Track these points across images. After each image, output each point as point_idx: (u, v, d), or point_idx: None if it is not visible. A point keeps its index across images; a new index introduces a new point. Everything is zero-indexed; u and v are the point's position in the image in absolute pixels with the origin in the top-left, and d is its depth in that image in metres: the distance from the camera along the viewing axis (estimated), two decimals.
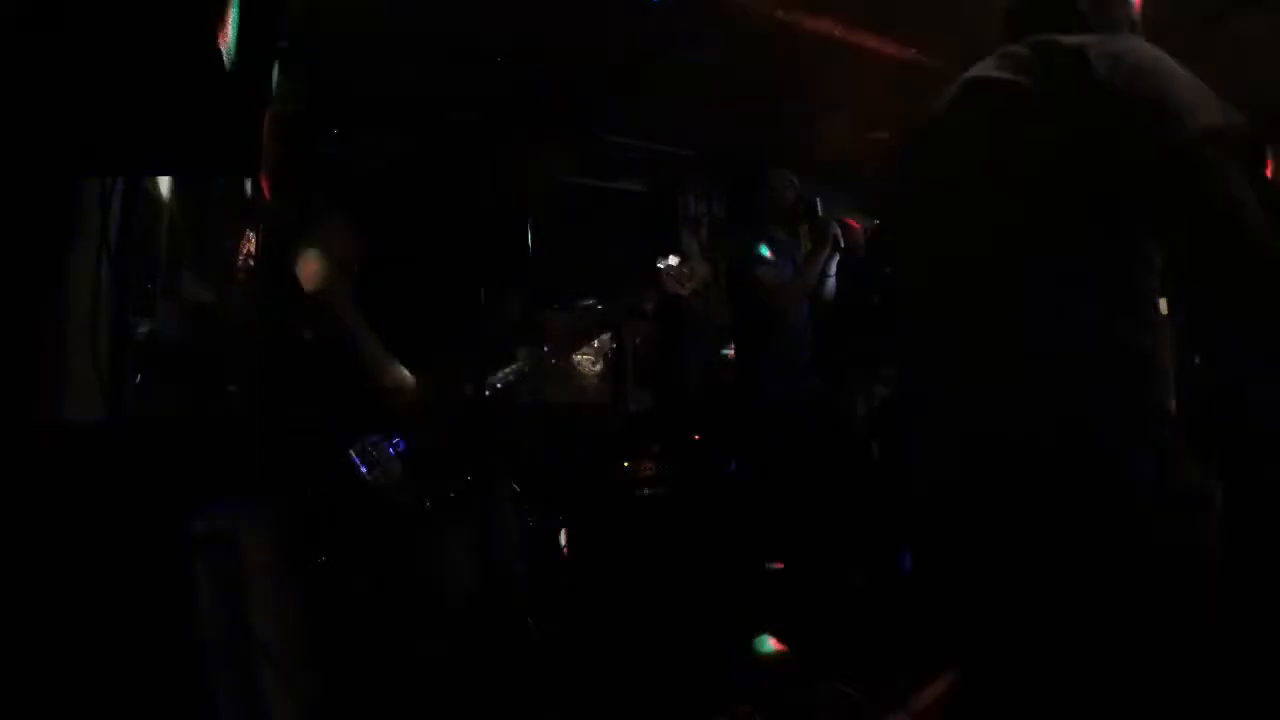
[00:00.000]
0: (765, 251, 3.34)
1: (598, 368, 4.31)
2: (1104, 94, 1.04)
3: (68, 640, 1.42)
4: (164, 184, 2.03)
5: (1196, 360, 1.23)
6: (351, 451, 1.87)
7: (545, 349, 2.32)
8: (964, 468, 1.21)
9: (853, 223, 3.42)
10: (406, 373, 1.90)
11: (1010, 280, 1.15)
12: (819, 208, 3.37)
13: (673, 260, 2.32)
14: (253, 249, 2.49)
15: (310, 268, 1.86)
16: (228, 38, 1.12)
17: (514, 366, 2.16)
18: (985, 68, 1.22)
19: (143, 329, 1.75)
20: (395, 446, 1.91)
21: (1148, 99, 1.02)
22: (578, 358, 4.22)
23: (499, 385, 2.11)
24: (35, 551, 1.40)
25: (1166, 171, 1.01)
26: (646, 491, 3.62)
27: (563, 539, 3.12)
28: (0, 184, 1.40)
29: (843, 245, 3.36)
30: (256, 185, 2.42)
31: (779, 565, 3.23)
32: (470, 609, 1.98)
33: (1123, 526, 1.05)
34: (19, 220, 1.44)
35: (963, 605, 1.26)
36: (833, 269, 3.42)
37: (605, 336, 4.23)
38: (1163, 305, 1.17)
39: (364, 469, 1.87)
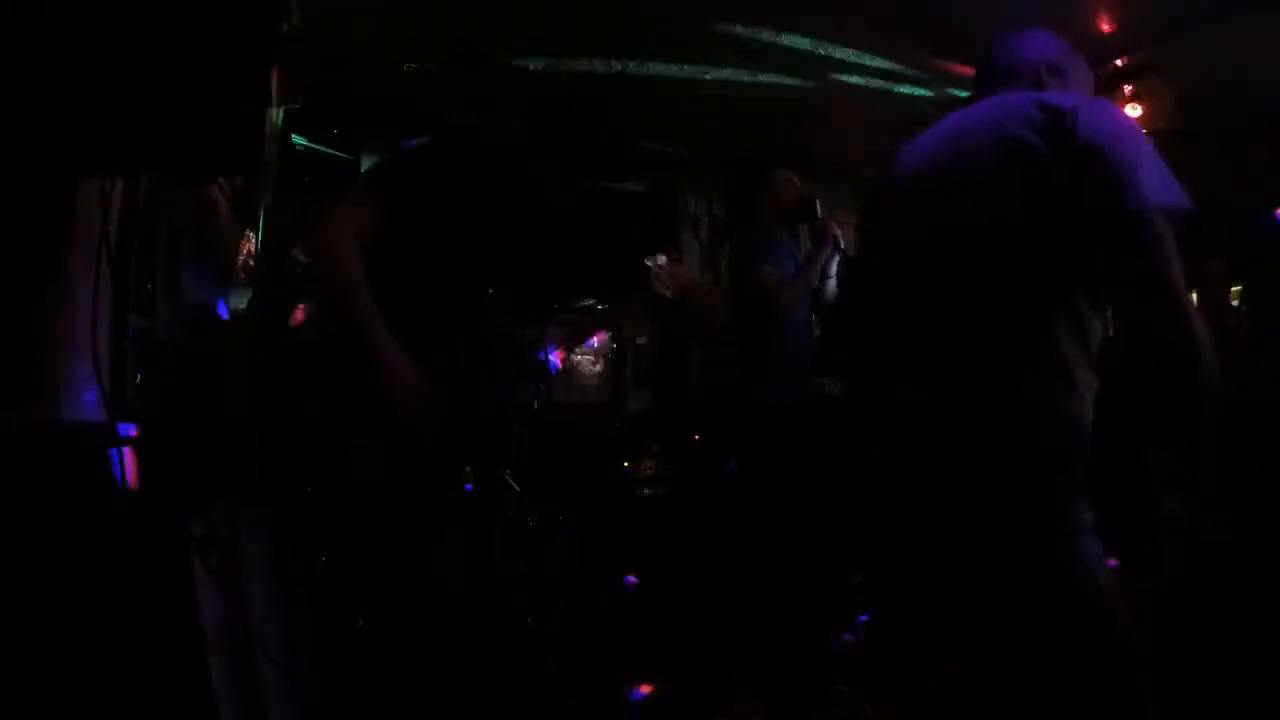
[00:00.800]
0: (766, 251, 3.35)
1: (598, 368, 4.31)
2: (1083, 150, 1.23)
3: (67, 640, 1.42)
4: (164, 184, 2.03)
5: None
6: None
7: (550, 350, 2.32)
8: (910, 463, 1.38)
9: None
10: (413, 365, 1.89)
11: (973, 335, 1.30)
12: (819, 208, 3.37)
13: (660, 260, 2.33)
14: (253, 249, 2.49)
15: (323, 235, 1.86)
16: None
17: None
18: (997, 119, 1.34)
19: (143, 329, 1.75)
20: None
21: (1117, 165, 1.21)
22: (577, 357, 4.22)
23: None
24: (34, 552, 1.40)
25: (1121, 231, 1.20)
26: (646, 491, 3.62)
27: (563, 539, 3.12)
28: (0, 184, 1.40)
29: (842, 245, 3.36)
30: (256, 185, 2.42)
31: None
32: (468, 607, 1.98)
33: (1024, 545, 1.25)
34: (19, 220, 1.44)
35: (917, 602, 1.43)
36: (833, 269, 3.43)
37: (605, 336, 4.23)
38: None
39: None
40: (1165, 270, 1.18)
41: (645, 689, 2.69)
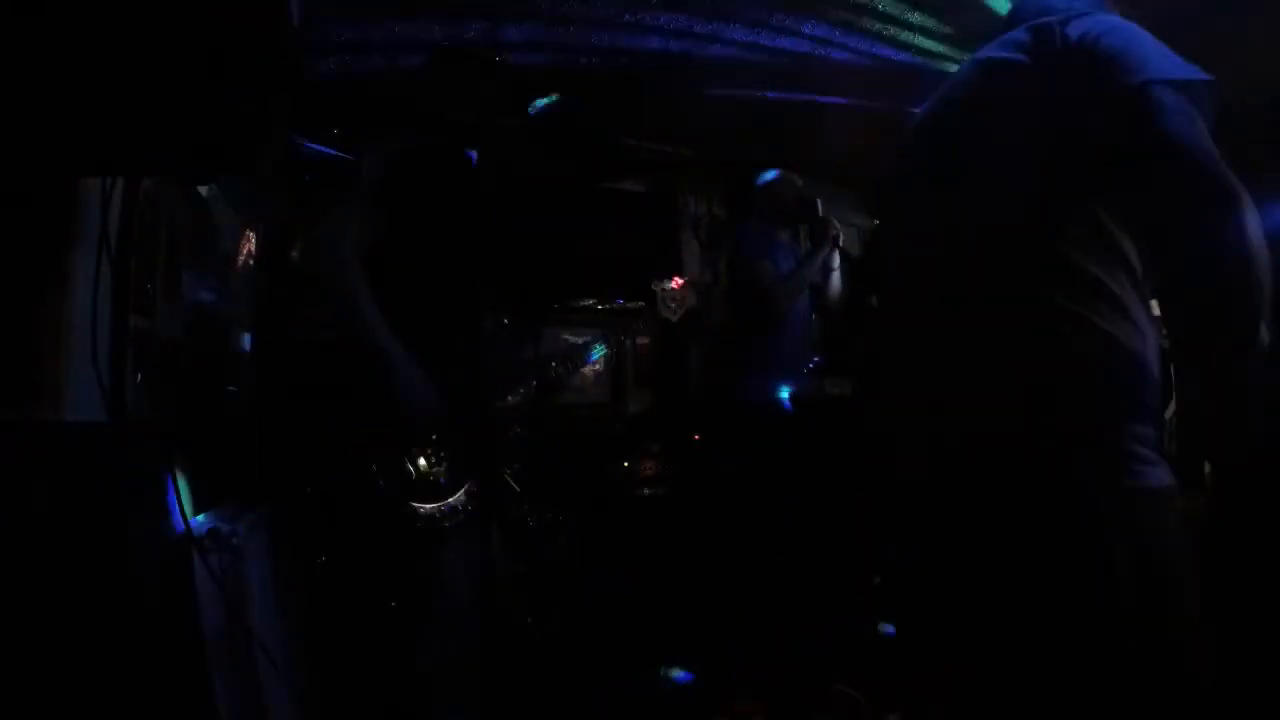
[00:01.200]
0: (766, 250, 3.35)
1: (598, 368, 4.31)
2: (1076, 53, 1.14)
3: (68, 640, 1.42)
4: (164, 184, 2.03)
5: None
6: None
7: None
8: (932, 461, 1.25)
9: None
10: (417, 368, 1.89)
11: (991, 262, 1.19)
12: (819, 207, 3.37)
13: (668, 285, 2.33)
14: (253, 249, 2.49)
15: (322, 240, 1.86)
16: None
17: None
18: (990, 49, 1.31)
19: (142, 329, 1.74)
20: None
21: (1110, 52, 1.12)
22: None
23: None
24: (35, 552, 1.40)
25: (1126, 112, 1.07)
26: (646, 491, 3.62)
27: (563, 539, 3.12)
28: (0, 184, 1.40)
29: (841, 243, 3.37)
30: (256, 185, 2.42)
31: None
32: (468, 607, 1.98)
33: (1072, 527, 1.06)
34: (19, 220, 1.44)
35: (935, 601, 1.29)
36: (835, 262, 3.43)
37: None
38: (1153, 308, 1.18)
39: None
40: (1189, 138, 1.01)
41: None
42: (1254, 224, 0.98)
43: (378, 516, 1.90)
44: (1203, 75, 1.08)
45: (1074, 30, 1.17)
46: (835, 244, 3.35)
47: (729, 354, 3.58)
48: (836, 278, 3.45)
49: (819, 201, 3.38)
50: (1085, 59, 1.13)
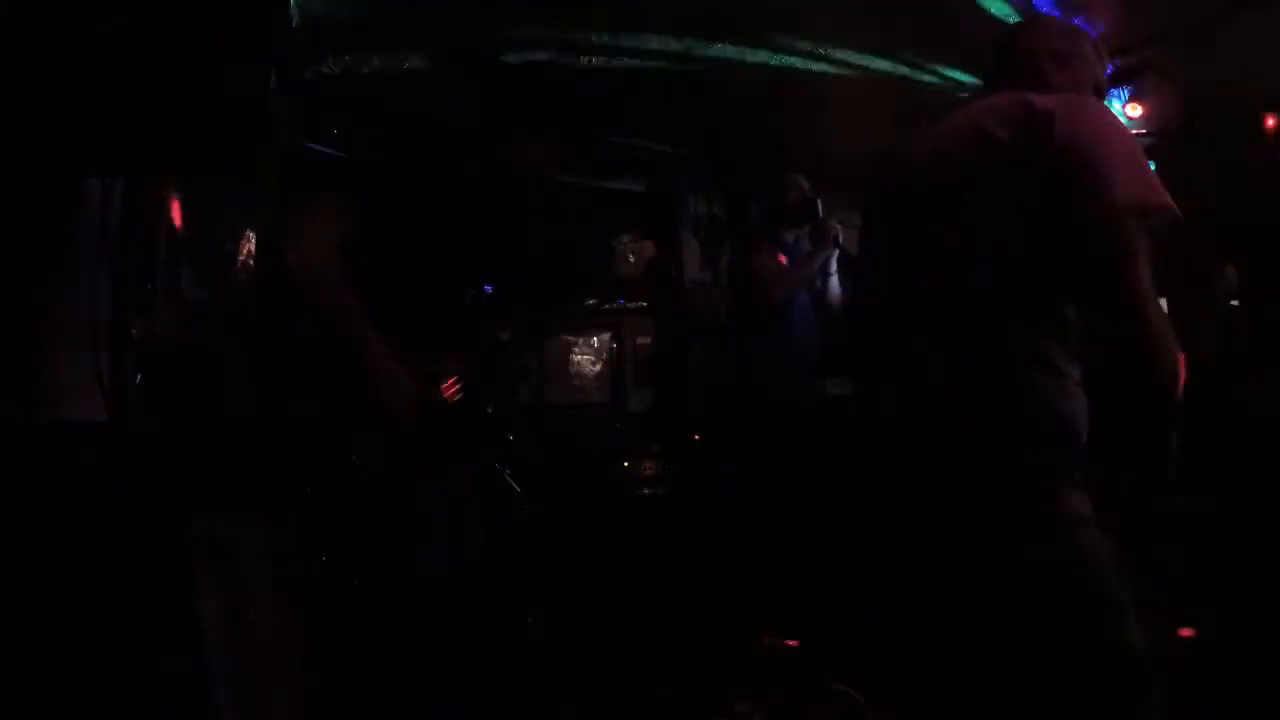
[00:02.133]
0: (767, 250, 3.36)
1: (598, 368, 4.31)
2: (1057, 152, 1.21)
3: (68, 640, 1.42)
4: (164, 184, 2.03)
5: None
6: None
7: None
8: (906, 467, 1.38)
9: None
10: (403, 370, 1.90)
11: (951, 314, 1.31)
12: (820, 208, 3.38)
13: (624, 238, 2.34)
14: (253, 249, 2.49)
15: (302, 247, 1.86)
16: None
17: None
18: (976, 115, 1.36)
19: (143, 329, 1.75)
20: None
21: (1087, 162, 1.20)
22: (577, 357, 4.22)
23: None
24: (36, 552, 1.40)
25: (1087, 232, 1.19)
26: (646, 491, 3.62)
27: (563, 539, 3.12)
28: (0, 184, 1.40)
29: (840, 243, 3.37)
30: (257, 185, 2.42)
31: None
32: (468, 607, 1.98)
33: (1011, 541, 1.25)
34: (19, 220, 1.44)
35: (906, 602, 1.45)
36: (833, 267, 3.44)
37: (605, 336, 4.23)
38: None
39: None
40: (1130, 280, 1.18)
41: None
42: (1166, 374, 1.19)
43: (375, 515, 1.91)
44: (1168, 204, 1.20)
45: (1061, 126, 1.23)
46: (836, 244, 3.36)
47: (730, 354, 3.59)
48: (835, 281, 3.45)
49: (819, 202, 3.38)
50: (1065, 160, 1.21)
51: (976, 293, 1.29)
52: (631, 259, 2.33)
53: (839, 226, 3.38)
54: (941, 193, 1.36)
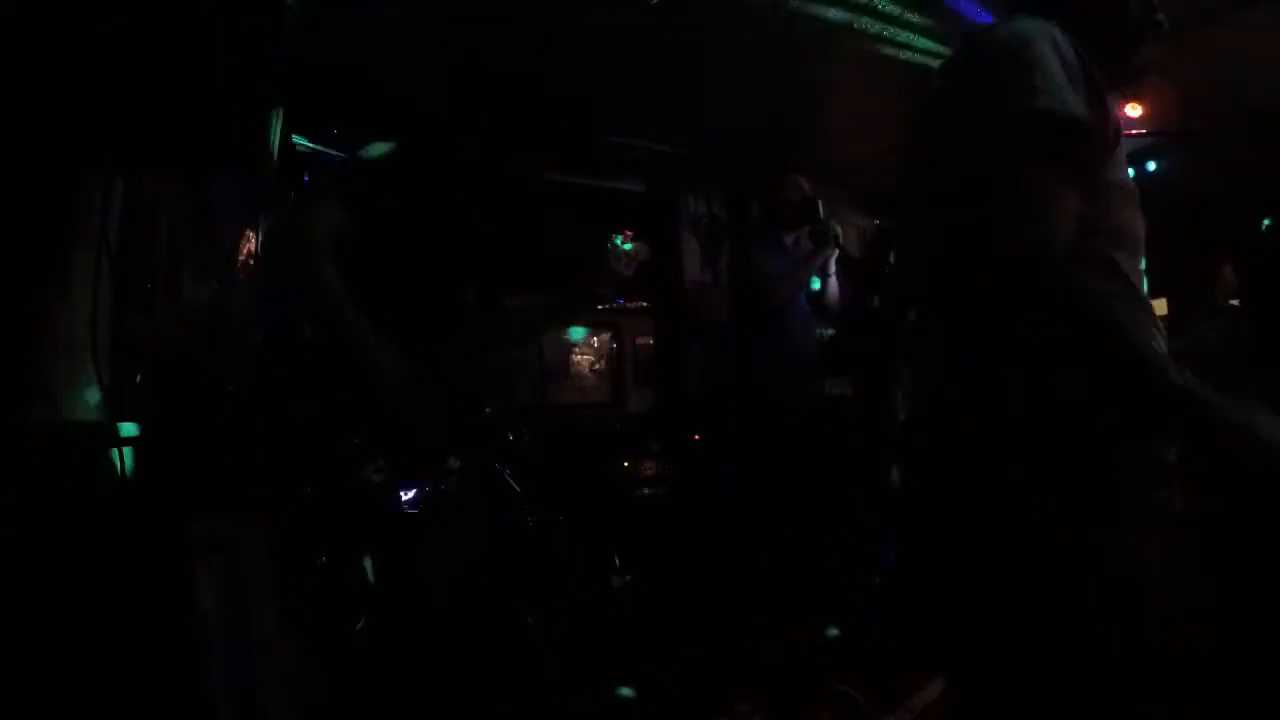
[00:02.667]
0: (767, 250, 3.36)
1: (598, 367, 4.31)
2: (975, 72, 1.19)
3: (68, 640, 1.42)
4: (164, 184, 2.03)
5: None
6: None
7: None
8: (929, 458, 1.33)
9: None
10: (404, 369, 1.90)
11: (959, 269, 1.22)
12: (820, 209, 3.38)
13: (617, 240, 2.34)
14: (253, 249, 2.49)
15: (295, 244, 1.85)
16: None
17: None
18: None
19: (142, 329, 1.75)
20: None
21: (991, 77, 1.15)
22: (577, 357, 4.22)
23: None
24: (35, 552, 1.40)
25: (988, 141, 1.13)
26: (646, 491, 3.62)
27: (563, 539, 3.12)
28: (0, 184, 1.40)
29: (840, 243, 3.38)
30: (256, 184, 2.42)
31: None
32: (468, 607, 1.98)
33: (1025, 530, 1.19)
34: (19, 220, 1.44)
35: (931, 598, 1.39)
36: (832, 268, 3.44)
37: (605, 335, 4.24)
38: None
39: None
40: (1022, 170, 1.09)
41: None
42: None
43: (374, 515, 1.91)
44: (1062, 108, 1.10)
45: (981, 47, 1.20)
46: (836, 245, 3.36)
47: (730, 354, 3.59)
48: (834, 282, 3.46)
49: (820, 203, 3.39)
50: (978, 80, 1.17)
51: (955, 263, 1.21)
52: (624, 261, 2.33)
53: (839, 227, 3.38)
54: (929, 140, 1.33)
